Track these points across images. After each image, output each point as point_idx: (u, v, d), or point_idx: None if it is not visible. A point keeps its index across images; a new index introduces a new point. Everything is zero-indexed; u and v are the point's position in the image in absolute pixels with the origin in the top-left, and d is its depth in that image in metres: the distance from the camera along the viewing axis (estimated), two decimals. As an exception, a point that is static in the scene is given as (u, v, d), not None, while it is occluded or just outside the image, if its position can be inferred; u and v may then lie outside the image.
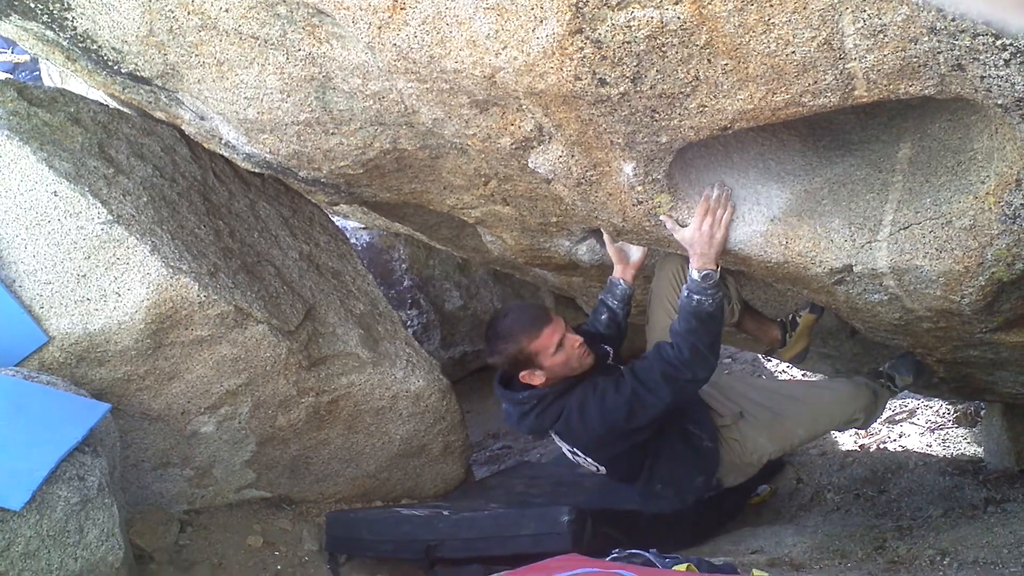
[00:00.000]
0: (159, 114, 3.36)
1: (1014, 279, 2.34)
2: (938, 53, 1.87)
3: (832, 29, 1.90)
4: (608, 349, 3.14)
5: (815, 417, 3.31)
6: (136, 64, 2.91)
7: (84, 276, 3.04)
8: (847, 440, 5.01)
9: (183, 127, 3.38)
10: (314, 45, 2.56)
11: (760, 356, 5.90)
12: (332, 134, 2.93)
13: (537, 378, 2.94)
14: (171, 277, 3.07)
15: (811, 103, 2.10)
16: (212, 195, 3.59)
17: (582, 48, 2.06)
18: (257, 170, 3.43)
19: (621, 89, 2.16)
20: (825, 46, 1.94)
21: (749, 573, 2.69)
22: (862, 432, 5.00)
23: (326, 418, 3.67)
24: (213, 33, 2.65)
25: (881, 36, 1.88)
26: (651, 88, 2.14)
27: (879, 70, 1.96)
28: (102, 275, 3.04)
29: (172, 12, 2.61)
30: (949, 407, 5.02)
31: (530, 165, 2.64)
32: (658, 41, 2.01)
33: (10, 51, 9.92)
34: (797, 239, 2.58)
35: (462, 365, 6.13)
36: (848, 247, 2.53)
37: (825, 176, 2.57)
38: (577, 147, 2.48)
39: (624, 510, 3.42)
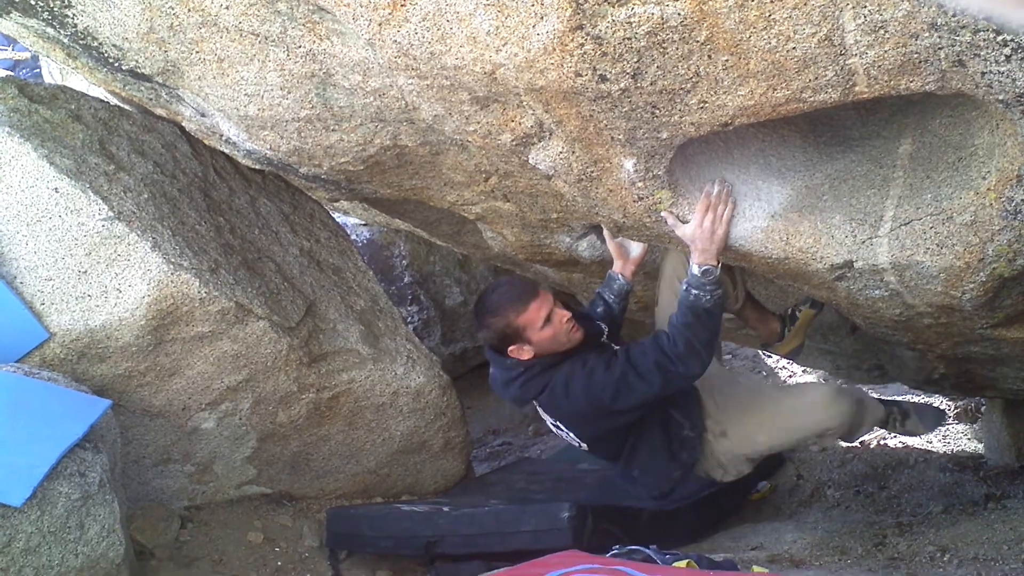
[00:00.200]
0: (160, 111, 3.36)
1: (1015, 275, 2.34)
2: (939, 49, 1.87)
3: (833, 25, 1.90)
4: (603, 327, 3.14)
5: (777, 424, 3.17)
6: (137, 61, 2.91)
7: (85, 272, 3.04)
8: (847, 436, 5.01)
9: (184, 124, 3.38)
10: (314, 42, 2.56)
11: (760, 352, 5.90)
12: (332, 130, 2.93)
13: (525, 353, 2.96)
14: (172, 273, 3.07)
15: (812, 99, 2.10)
16: (213, 191, 3.59)
17: (582, 44, 2.06)
18: (258, 167, 3.43)
19: (622, 85, 2.16)
20: (826, 42, 1.94)
21: (749, 569, 2.69)
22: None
23: (327, 414, 3.68)
24: (213, 30, 2.65)
25: (882, 32, 1.88)
26: (651, 84, 2.14)
27: (880, 66, 1.96)
28: (103, 271, 3.04)
29: (173, 9, 2.61)
30: (950, 403, 5.02)
31: (531, 161, 2.64)
32: (658, 37, 2.01)
33: (11, 48, 9.93)
34: (798, 235, 2.57)
35: (462, 361, 6.13)
36: (849, 243, 2.53)
37: (826, 172, 2.57)
38: (578, 143, 2.48)
39: (624, 506, 3.42)
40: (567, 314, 2.96)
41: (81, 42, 2.93)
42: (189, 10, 2.60)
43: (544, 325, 2.91)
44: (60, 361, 3.07)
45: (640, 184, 2.56)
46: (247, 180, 3.85)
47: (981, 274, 2.36)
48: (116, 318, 3.05)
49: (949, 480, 4.09)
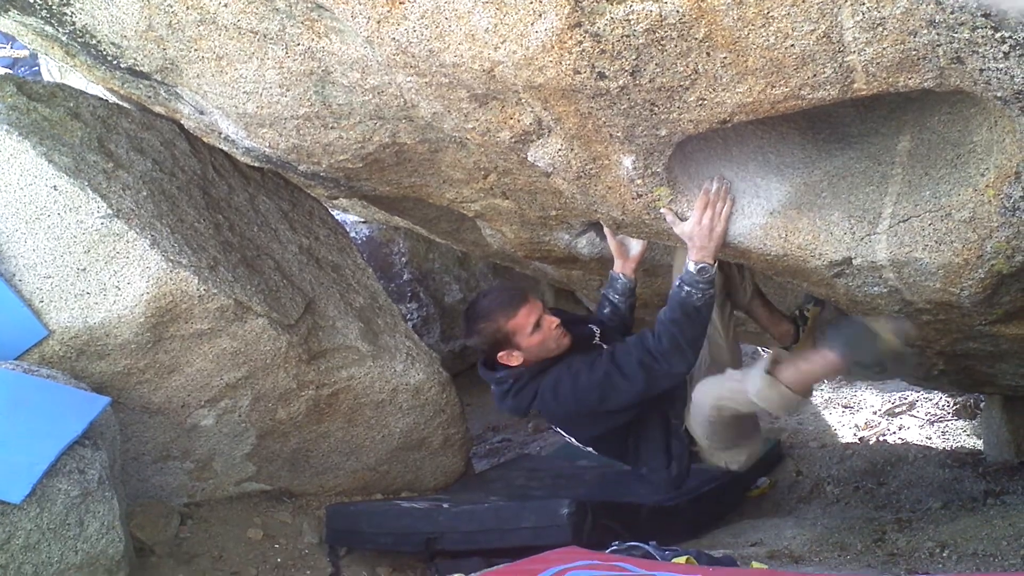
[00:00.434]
0: (158, 109, 3.36)
1: (1014, 271, 2.34)
2: (937, 46, 1.87)
3: (831, 22, 1.90)
4: (594, 329, 3.15)
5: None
6: (135, 59, 2.91)
7: (84, 270, 3.04)
8: (847, 433, 5.02)
9: (182, 121, 3.38)
10: (313, 39, 2.56)
11: (759, 349, 5.90)
12: (331, 128, 2.93)
13: (515, 359, 3.00)
14: (171, 271, 3.07)
15: (810, 96, 2.10)
16: (212, 189, 3.59)
17: (581, 42, 2.06)
18: (256, 164, 3.43)
19: (620, 83, 2.16)
20: (824, 39, 1.94)
21: (748, 565, 2.69)
22: (861, 424, 5.02)
23: (326, 411, 3.68)
24: (212, 28, 2.65)
25: (880, 29, 1.88)
26: (650, 81, 2.14)
27: (878, 63, 1.96)
28: (102, 269, 3.04)
29: (171, 7, 2.61)
30: (949, 399, 5.03)
31: (529, 159, 2.64)
32: (657, 34, 2.01)
33: (9, 46, 9.93)
34: (796, 232, 2.58)
35: (462, 358, 6.13)
36: (847, 240, 2.53)
37: (824, 169, 2.57)
38: (576, 140, 2.48)
39: (624, 502, 3.42)
40: (556, 320, 3.00)
41: (79, 40, 2.93)
42: (188, 8, 2.60)
43: (534, 331, 2.95)
44: (59, 358, 3.07)
45: (639, 181, 2.56)
46: (246, 178, 3.85)
47: (980, 271, 2.37)
48: (115, 315, 3.05)
49: (948, 476, 4.09)
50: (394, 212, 4.19)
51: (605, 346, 3.07)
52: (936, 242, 2.36)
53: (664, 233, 2.83)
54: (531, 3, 2.04)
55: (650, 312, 3.58)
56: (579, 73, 2.14)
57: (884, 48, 1.92)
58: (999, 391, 3.92)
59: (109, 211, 3.03)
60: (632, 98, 2.21)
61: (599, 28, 2.02)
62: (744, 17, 1.94)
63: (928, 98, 2.27)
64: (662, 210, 2.67)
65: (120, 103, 3.51)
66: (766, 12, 1.92)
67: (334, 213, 4.70)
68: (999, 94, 1.92)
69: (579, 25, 2.03)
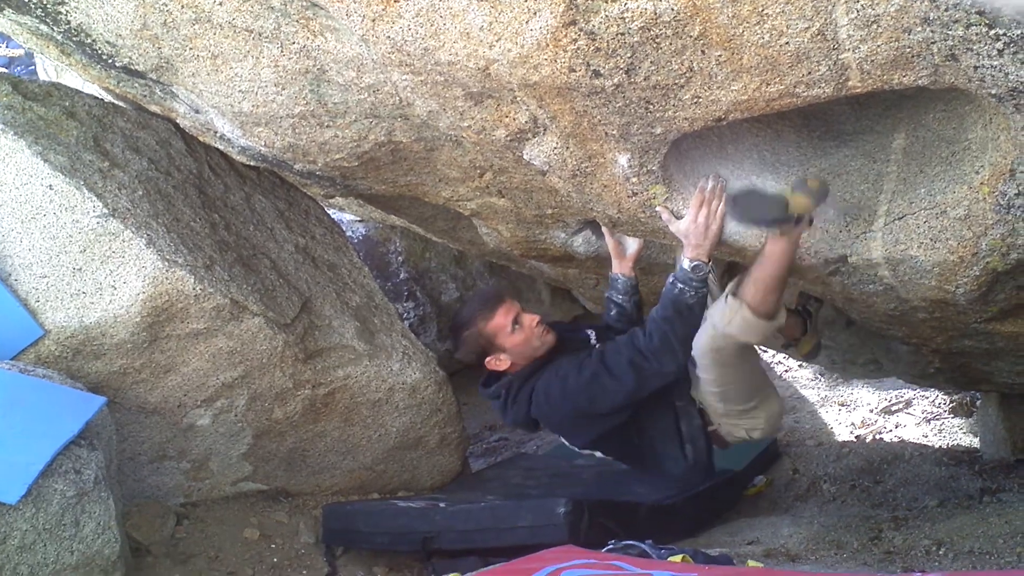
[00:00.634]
0: (154, 108, 3.35)
1: (1009, 269, 2.35)
2: (932, 43, 1.87)
3: (825, 20, 1.90)
4: (590, 332, 3.15)
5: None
6: (130, 58, 2.91)
7: (80, 270, 3.03)
8: (843, 431, 5.03)
9: (178, 120, 3.38)
10: (308, 38, 2.56)
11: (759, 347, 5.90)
12: (327, 127, 2.93)
13: (503, 362, 3.01)
14: (167, 270, 3.07)
15: (805, 94, 2.10)
16: (208, 188, 3.59)
17: (576, 40, 2.06)
18: (252, 163, 3.43)
19: (615, 81, 2.16)
20: (819, 37, 1.94)
21: (745, 564, 2.70)
22: (857, 422, 5.03)
23: (322, 411, 3.68)
24: (207, 26, 2.65)
25: (874, 26, 1.88)
26: (645, 79, 2.14)
27: (873, 61, 1.96)
28: (98, 268, 3.04)
29: (166, 6, 2.61)
30: (945, 397, 5.03)
31: (525, 157, 2.64)
32: (652, 32, 2.01)
33: (5, 45, 9.91)
34: (792, 230, 2.57)
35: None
36: (843, 238, 2.53)
37: (820, 166, 2.58)
38: (572, 139, 2.48)
39: (621, 501, 3.42)
40: (536, 317, 3.02)
41: (74, 39, 2.92)
42: (183, 6, 2.60)
43: (514, 329, 2.97)
44: (55, 358, 3.06)
45: (634, 179, 2.56)
46: (242, 177, 3.85)
47: (975, 268, 2.37)
48: (111, 315, 3.05)
49: (945, 474, 4.09)
50: (390, 211, 4.19)
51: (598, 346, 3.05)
52: (931, 240, 2.37)
53: (660, 231, 2.83)
54: (526, 1, 2.04)
55: (648, 312, 3.58)
56: (574, 71, 2.14)
57: (878, 46, 1.92)
58: (995, 389, 3.93)
59: (105, 210, 3.02)
60: (627, 96, 2.21)
61: (594, 26, 2.02)
62: (739, 15, 1.94)
63: (923, 95, 2.27)
64: (657, 208, 2.67)
65: (116, 102, 3.50)
66: (760, 10, 1.92)
67: (330, 212, 4.70)
68: (993, 91, 1.92)
69: (574, 23, 2.03)
